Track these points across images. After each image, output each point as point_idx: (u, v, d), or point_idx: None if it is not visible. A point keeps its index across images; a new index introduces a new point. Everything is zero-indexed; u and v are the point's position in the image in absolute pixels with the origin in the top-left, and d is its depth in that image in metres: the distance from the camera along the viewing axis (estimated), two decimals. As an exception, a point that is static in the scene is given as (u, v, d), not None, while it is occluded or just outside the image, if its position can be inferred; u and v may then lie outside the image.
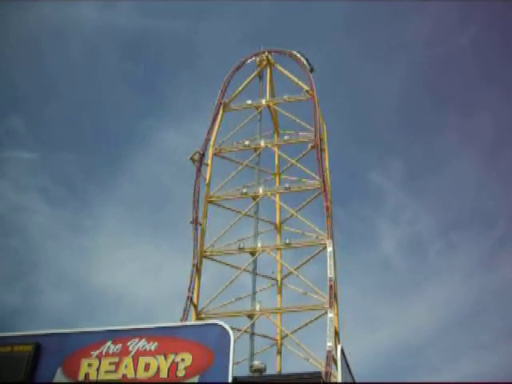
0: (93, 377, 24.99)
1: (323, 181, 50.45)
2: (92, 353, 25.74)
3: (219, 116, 57.21)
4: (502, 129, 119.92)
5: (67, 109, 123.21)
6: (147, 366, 24.74)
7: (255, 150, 55.66)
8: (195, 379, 23.78)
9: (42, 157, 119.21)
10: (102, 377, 24.89)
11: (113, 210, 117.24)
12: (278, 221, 56.30)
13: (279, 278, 53.36)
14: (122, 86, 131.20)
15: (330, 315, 42.43)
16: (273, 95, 60.08)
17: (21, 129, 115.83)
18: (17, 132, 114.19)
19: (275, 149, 57.01)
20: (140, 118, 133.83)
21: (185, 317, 44.74)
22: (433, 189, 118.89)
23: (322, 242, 47.76)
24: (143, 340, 25.50)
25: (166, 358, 24.68)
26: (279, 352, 50.12)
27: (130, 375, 24.71)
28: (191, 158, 53.56)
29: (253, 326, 48.51)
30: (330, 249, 46.30)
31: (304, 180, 52.85)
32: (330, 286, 44.23)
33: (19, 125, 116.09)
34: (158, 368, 24.51)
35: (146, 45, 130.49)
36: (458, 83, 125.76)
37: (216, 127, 56.44)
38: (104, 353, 25.63)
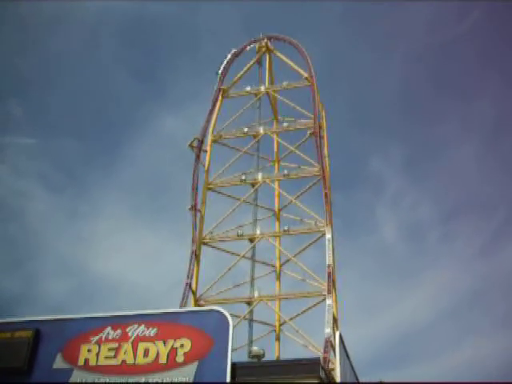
0: (92, 362, 25.07)
1: (322, 168, 50.43)
2: (91, 338, 25.79)
3: (218, 103, 57.11)
4: (502, 115, 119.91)
5: (66, 94, 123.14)
6: (146, 352, 24.82)
7: (254, 136, 55.64)
8: (194, 365, 23.87)
9: (41, 142, 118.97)
10: (102, 362, 24.98)
11: (112, 196, 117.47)
12: (276, 207, 56.38)
13: (278, 265, 53.50)
14: (122, 72, 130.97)
15: (329, 302, 42.58)
16: (272, 82, 59.95)
17: (20, 114, 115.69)
18: (16, 117, 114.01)
19: (274, 136, 56.98)
20: (139, 103, 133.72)
21: (183, 303, 44.88)
22: (433, 175, 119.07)
23: (321, 229, 47.86)
24: (142, 326, 25.55)
25: (165, 344, 24.74)
26: (278, 338, 50.35)
27: (130, 361, 24.79)
28: (190, 145, 53.52)
29: (251, 312, 48.71)
30: (328, 235, 46.42)
31: (303, 167, 52.85)
32: (329, 273, 44.34)
33: (18, 110, 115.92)
34: (158, 353, 24.58)
35: (145, 30, 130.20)
36: (458, 70, 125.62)
37: (215, 114, 56.36)
38: (103, 338, 25.69)
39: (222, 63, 58.12)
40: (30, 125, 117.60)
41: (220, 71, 57.55)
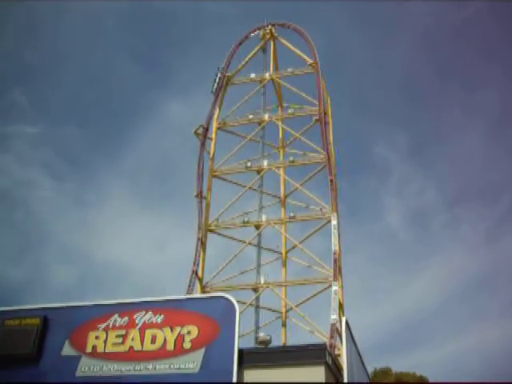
0: (100, 349, 25.25)
1: (327, 154, 50.36)
2: (99, 325, 25.96)
3: (223, 90, 57.01)
4: (507, 102, 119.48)
5: (70, 82, 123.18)
6: (154, 339, 24.96)
7: (259, 123, 55.56)
8: (201, 351, 23.99)
9: (46, 131, 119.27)
10: (110, 349, 25.15)
11: (117, 183, 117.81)
12: (282, 194, 56.42)
13: (284, 252, 53.60)
14: (127, 59, 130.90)
15: (335, 288, 42.63)
16: (277, 69, 59.79)
17: (24, 103, 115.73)
18: (20, 106, 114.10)
19: (279, 122, 56.87)
20: (144, 91, 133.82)
21: (190, 290, 45.04)
22: (438, 162, 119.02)
23: (327, 216, 47.87)
24: (149, 313, 25.69)
25: (172, 331, 24.87)
26: (284, 324, 50.53)
27: (137, 347, 24.95)
28: (195, 132, 53.58)
29: (258, 299, 48.83)
30: (334, 222, 46.41)
31: (308, 153, 52.79)
32: (335, 259, 44.37)
33: (22, 99, 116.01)
34: (165, 340, 24.72)
35: (150, 17, 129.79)
36: (462, 57, 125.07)
37: (220, 101, 56.29)
38: (111, 325, 25.84)
39: (214, 81, 57.21)
40: (34, 113, 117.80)
41: (214, 90, 56.75)
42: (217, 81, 56.81)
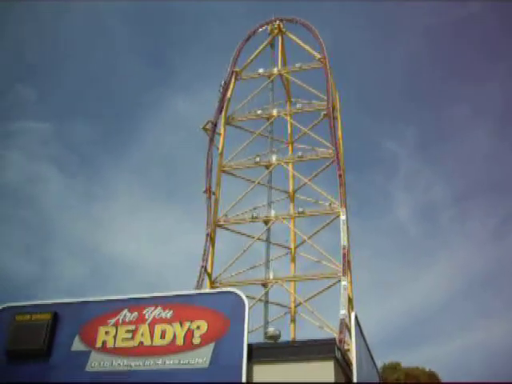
0: (110, 344, 25.35)
1: (336, 149, 50.29)
2: (109, 321, 26.06)
3: (231, 85, 56.96)
4: (510, 100, 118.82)
5: (78, 78, 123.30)
6: (163, 334, 25.03)
7: (268, 118, 55.52)
8: (211, 346, 24.04)
9: (54, 126, 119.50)
10: (119, 344, 25.24)
11: (124, 178, 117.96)
12: (291, 189, 56.32)
13: (293, 247, 53.56)
14: (132, 56, 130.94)
15: (344, 283, 42.62)
16: (285, 64, 59.68)
17: (33, 99, 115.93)
18: (28, 102, 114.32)
19: (287, 118, 56.76)
20: (151, 87, 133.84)
21: (199, 286, 45.07)
22: (446, 157, 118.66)
23: (336, 211, 47.82)
24: (159, 308, 25.76)
25: (181, 326, 24.93)
26: (293, 320, 50.50)
27: (147, 342, 25.03)
28: (204, 128, 53.49)
29: (267, 294, 48.86)
30: (343, 217, 46.39)
31: (317, 149, 52.68)
32: (344, 254, 44.35)
33: (30, 94, 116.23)
34: (174, 335, 24.78)
35: (153, 16, 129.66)
36: (468, 53, 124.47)
37: (228, 96, 56.22)
38: (121, 321, 25.94)
39: (219, 91, 56.63)
40: (42, 109, 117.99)
41: (218, 105, 56.00)
42: (220, 97, 56.44)
